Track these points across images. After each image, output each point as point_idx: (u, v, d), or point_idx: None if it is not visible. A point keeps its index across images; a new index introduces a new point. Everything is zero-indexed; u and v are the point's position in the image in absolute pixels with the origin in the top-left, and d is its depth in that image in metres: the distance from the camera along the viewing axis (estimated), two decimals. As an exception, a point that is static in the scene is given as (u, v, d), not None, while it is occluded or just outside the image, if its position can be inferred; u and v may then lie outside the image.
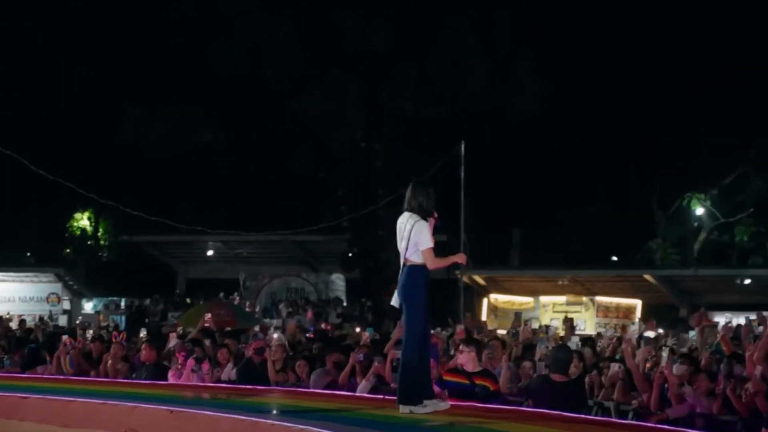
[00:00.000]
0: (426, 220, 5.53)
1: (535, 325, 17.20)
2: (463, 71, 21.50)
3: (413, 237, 5.52)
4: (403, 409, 5.55)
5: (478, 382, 6.78)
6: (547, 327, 16.84)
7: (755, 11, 21.12)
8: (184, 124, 21.74)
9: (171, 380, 8.77)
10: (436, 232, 5.53)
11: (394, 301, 5.64)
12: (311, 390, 8.50)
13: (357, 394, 7.92)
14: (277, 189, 22.36)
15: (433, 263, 5.54)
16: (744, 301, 21.22)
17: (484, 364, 7.40)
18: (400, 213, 10.07)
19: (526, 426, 5.38)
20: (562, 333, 15.20)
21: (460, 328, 11.88)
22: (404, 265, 5.61)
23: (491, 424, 5.28)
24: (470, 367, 6.85)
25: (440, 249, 5.69)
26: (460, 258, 5.94)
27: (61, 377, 9.87)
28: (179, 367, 8.84)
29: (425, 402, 5.54)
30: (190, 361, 8.71)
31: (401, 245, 5.56)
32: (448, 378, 6.78)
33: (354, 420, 5.71)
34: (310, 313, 20.35)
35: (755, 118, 21.42)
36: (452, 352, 8.70)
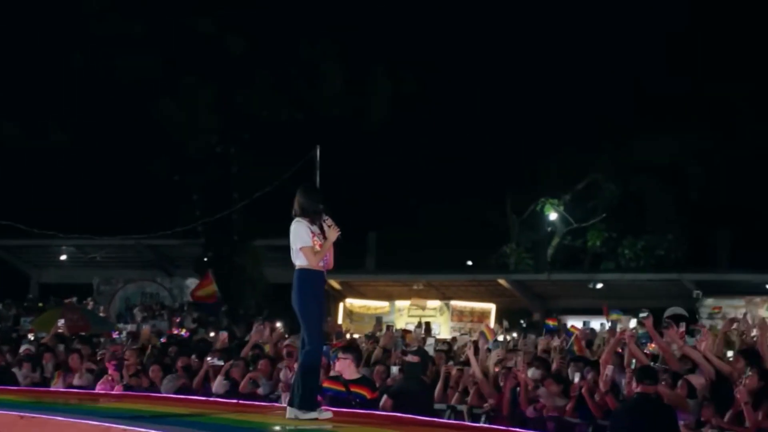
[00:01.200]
0: (305, 218, 5.45)
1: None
2: (319, 77, 21.89)
3: (291, 240, 5.51)
4: (290, 413, 5.48)
5: (354, 390, 6.81)
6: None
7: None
8: (35, 125, 21.57)
9: (99, 389, 8.77)
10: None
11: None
12: (163, 395, 8.51)
13: (212, 398, 7.99)
14: (132, 193, 22.29)
15: (313, 258, 5.42)
16: (596, 306, 22.37)
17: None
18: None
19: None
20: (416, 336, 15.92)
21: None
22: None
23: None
24: (348, 375, 6.87)
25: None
26: (334, 234, 5.58)
27: None
28: (110, 378, 8.88)
29: (316, 410, 5.51)
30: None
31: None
32: (326, 385, 6.80)
33: (208, 424, 5.74)
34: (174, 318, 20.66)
35: (605, 124, 22.31)
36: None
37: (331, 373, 7.32)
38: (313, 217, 5.50)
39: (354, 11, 21.92)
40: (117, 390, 8.72)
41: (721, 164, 22.20)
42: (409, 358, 7.79)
